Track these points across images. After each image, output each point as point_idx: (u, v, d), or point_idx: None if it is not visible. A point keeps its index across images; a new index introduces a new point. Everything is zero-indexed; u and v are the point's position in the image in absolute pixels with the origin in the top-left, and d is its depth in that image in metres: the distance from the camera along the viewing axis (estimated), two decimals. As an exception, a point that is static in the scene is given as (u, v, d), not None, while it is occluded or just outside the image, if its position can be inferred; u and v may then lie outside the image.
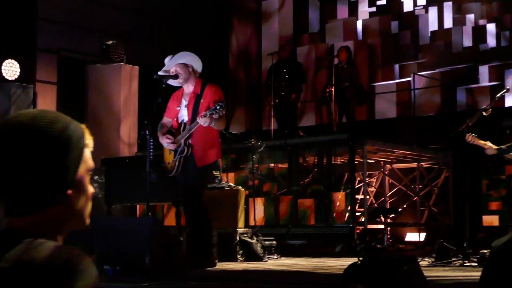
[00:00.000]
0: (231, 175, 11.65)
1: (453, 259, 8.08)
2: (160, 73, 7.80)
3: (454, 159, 12.33)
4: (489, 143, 8.44)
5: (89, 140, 1.72)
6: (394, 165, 12.81)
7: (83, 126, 1.72)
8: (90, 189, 1.71)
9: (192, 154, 7.63)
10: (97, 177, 10.30)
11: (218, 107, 7.37)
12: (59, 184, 1.61)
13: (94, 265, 1.54)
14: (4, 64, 12.05)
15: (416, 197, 12.59)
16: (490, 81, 15.03)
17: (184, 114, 7.77)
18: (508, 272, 1.91)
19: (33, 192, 1.59)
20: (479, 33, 16.25)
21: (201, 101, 7.64)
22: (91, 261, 1.53)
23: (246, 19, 18.67)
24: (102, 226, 7.00)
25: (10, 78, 12.06)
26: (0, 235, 1.58)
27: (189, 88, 7.79)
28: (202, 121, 7.40)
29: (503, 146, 8.48)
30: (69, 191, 1.62)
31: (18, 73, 12.16)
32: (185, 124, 7.71)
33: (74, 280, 1.47)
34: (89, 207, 1.71)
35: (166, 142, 7.69)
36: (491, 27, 16.10)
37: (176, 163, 7.62)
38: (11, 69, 12.03)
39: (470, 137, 8.38)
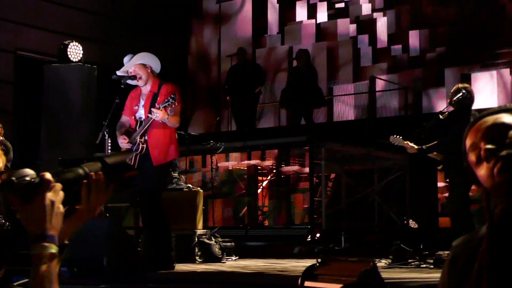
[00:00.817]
0: (190, 177, 11.63)
1: (409, 260, 8.16)
2: (118, 73, 7.77)
3: (411, 161, 12.43)
4: (410, 143, 8.74)
5: None
6: (352, 167, 12.88)
7: None
8: None
9: (148, 152, 7.59)
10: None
11: (170, 99, 7.37)
12: None
13: None
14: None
15: (374, 199, 12.67)
16: (447, 85, 15.20)
17: (141, 113, 7.75)
18: (466, 271, 1.94)
19: None
20: (436, 36, 16.42)
21: (158, 99, 7.62)
22: None
23: (206, 20, 18.65)
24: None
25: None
26: None
27: (147, 87, 7.78)
28: (155, 115, 7.39)
29: (423, 146, 8.72)
30: None
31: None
32: (141, 122, 7.69)
33: None
34: None
35: (121, 142, 7.66)
36: (447, 31, 16.27)
37: (132, 161, 7.57)
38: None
39: (394, 138, 8.73)
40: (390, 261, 8.25)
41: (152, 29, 16.91)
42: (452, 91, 8.70)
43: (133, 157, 7.60)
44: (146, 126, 7.60)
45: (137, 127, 7.69)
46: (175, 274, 7.33)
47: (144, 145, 7.60)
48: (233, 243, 9.69)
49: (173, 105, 7.39)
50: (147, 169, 7.53)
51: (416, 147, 8.77)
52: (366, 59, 16.73)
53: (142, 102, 7.78)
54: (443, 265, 2.07)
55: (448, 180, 9.28)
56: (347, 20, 17.41)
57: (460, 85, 8.80)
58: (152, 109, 7.44)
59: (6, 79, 14.76)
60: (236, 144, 11.93)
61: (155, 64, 7.83)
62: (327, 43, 17.03)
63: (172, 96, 7.39)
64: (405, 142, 8.77)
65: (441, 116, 8.62)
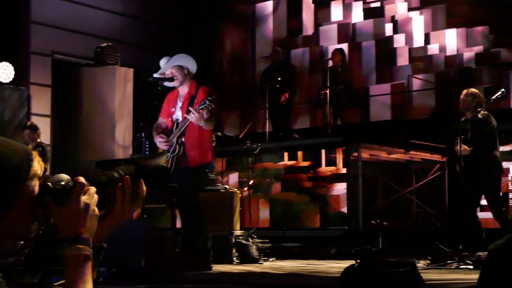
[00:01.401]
0: (226, 178, 11.64)
1: (448, 261, 8.08)
2: (155, 75, 7.80)
3: (449, 161, 12.32)
4: (463, 145, 8.74)
5: (37, 170, 1.82)
6: (389, 167, 12.79)
7: (34, 153, 1.82)
8: (28, 216, 1.81)
9: (185, 154, 7.61)
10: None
11: (207, 101, 7.37)
12: None
13: None
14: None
15: (411, 199, 12.58)
16: (485, 84, 15.03)
17: (178, 115, 7.77)
18: (506, 276, 1.90)
19: None
20: (473, 35, 16.26)
21: (195, 101, 7.64)
22: None
23: (240, 22, 18.66)
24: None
25: (4, 81, 12.03)
26: None
27: (184, 89, 7.80)
28: (191, 116, 7.39)
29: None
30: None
31: (12, 76, 12.13)
32: (178, 124, 7.71)
33: None
34: (19, 236, 1.83)
35: (159, 141, 7.68)
36: (484, 30, 16.10)
37: (168, 163, 7.59)
38: (5, 72, 12.00)
39: (463, 149, 8.67)
40: (428, 262, 8.17)
41: (186, 31, 16.97)
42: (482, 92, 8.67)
43: (170, 159, 7.62)
44: (183, 128, 7.61)
45: (174, 129, 7.70)
46: (212, 274, 7.34)
47: (181, 147, 7.62)
48: (270, 244, 9.67)
49: (210, 107, 7.39)
50: (183, 170, 7.55)
51: (468, 148, 8.70)
52: (402, 59, 16.60)
53: (179, 104, 7.80)
54: (481, 268, 2.04)
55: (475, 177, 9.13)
56: (383, 19, 17.30)
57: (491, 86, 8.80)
58: (189, 107, 7.44)
59: (44, 83, 14.89)
60: (272, 145, 11.91)
61: (191, 65, 7.85)
62: (362, 42, 16.93)
63: (209, 98, 7.39)
64: (463, 146, 8.78)
65: (479, 115, 8.54)
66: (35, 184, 1.81)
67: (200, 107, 7.37)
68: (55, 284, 1.94)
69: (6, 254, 1.81)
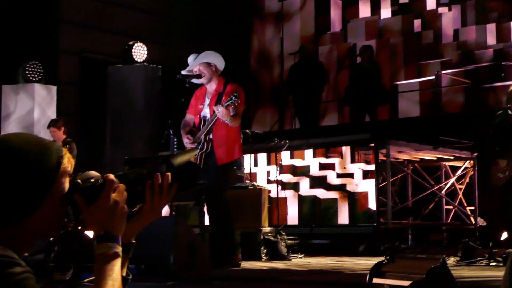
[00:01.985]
0: (254, 175, 11.63)
1: (478, 258, 8.01)
2: (183, 72, 7.79)
3: (479, 157, 12.23)
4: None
5: (67, 167, 1.83)
6: (418, 164, 12.71)
7: (65, 150, 1.83)
8: (58, 213, 1.82)
9: (213, 151, 7.61)
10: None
11: (233, 98, 7.36)
12: (21, 210, 1.73)
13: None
14: (27, 65, 12.09)
15: (440, 197, 12.49)
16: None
17: (206, 112, 7.77)
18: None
19: (1, 209, 1.72)
20: (502, 31, 16.12)
21: (223, 98, 7.63)
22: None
23: (268, 19, 18.65)
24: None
25: (33, 79, 12.10)
26: None
27: (212, 86, 7.80)
28: (218, 110, 7.38)
29: None
30: (30, 218, 1.74)
31: (41, 74, 12.20)
32: (205, 121, 7.71)
33: None
34: (50, 233, 1.83)
35: (185, 142, 7.70)
36: (515, 25, 15.97)
37: (197, 160, 7.59)
38: (34, 70, 12.08)
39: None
40: (458, 259, 8.11)
41: (214, 29, 16.98)
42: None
43: (198, 156, 7.62)
44: (211, 125, 7.61)
45: (202, 126, 7.70)
46: (241, 271, 7.33)
47: (209, 144, 7.61)
48: (298, 241, 9.66)
49: (236, 103, 7.38)
50: (211, 168, 7.55)
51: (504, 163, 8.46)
52: (431, 55, 16.49)
53: (207, 101, 7.80)
54: (506, 266, 2.01)
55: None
56: (411, 16, 17.20)
57: None
58: (217, 105, 7.43)
59: (72, 81, 14.99)
60: (300, 141, 11.89)
61: (219, 62, 7.84)
62: (391, 39, 16.85)
63: (235, 94, 7.38)
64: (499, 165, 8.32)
65: (510, 112, 8.44)
66: (65, 181, 1.82)
67: (226, 104, 7.37)
68: (85, 280, 1.95)
69: (36, 251, 1.82)
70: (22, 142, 1.76)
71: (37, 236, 1.79)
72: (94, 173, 1.88)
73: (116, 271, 1.79)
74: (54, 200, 1.78)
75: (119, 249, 1.82)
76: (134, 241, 2.02)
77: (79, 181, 1.84)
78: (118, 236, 1.83)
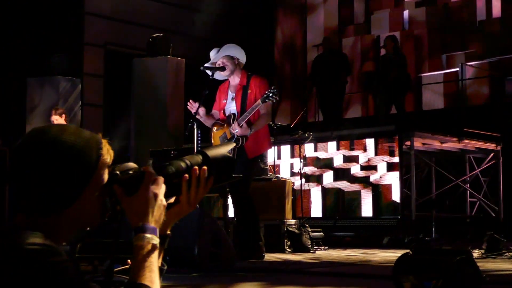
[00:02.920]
0: (278, 167, 11.64)
1: (503, 251, 7.97)
2: (206, 65, 7.80)
3: (504, 149, 12.16)
4: None
5: (107, 158, 1.85)
6: (442, 156, 12.66)
7: (104, 142, 1.85)
8: (97, 204, 1.83)
9: (243, 146, 7.62)
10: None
11: (271, 94, 7.40)
12: (63, 199, 1.75)
13: (71, 268, 1.65)
14: (52, 58, 12.16)
15: (465, 189, 12.44)
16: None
17: (232, 106, 7.77)
18: None
19: (38, 198, 1.74)
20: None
21: (248, 92, 7.64)
22: (67, 265, 1.65)
23: (291, 11, 18.62)
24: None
25: (58, 72, 12.18)
26: (8, 227, 1.75)
27: (235, 80, 7.80)
28: (236, 131, 7.43)
29: None
30: (71, 207, 1.76)
31: (66, 67, 12.27)
32: (234, 115, 7.69)
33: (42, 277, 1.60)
34: (89, 223, 1.84)
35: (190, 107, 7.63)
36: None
37: (232, 153, 7.58)
38: (59, 63, 12.15)
39: None
40: (483, 251, 8.07)
41: (238, 21, 16.98)
42: None
43: (232, 150, 7.60)
44: (253, 112, 7.56)
45: (231, 121, 7.67)
46: (265, 263, 7.35)
47: (243, 138, 7.60)
48: (322, 233, 9.66)
49: (275, 100, 7.43)
50: (240, 160, 7.55)
51: None
52: (455, 47, 16.39)
53: (231, 95, 7.79)
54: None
55: None
56: (435, 7, 17.09)
57: None
58: (234, 124, 7.48)
59: (97, 73, 15.06)
60: (323, 134, 11.88)
61: (241, 55, 7.83)
62: (415, 31, 16.77)
63: (273, 90, 7.41)
64: None
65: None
66: (104, 173, 1.83)
67: (264, 100, 7.39)
68: (115, 270, 1.96)
69: (74, 241, 1.84)
70: (65, 134, 1.78)
71: (76, 226, 1.81)
72: (132, 164, 1.90)
73: (153, 262, 1.81)
74: (93, 191, 1.80)
75: (157, 241, 1.83)
76: (169, 233, 2.03)
77: (117, 172, 1.86)
78: (156, 228, 1.85)
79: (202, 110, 7.66)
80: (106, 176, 1.84)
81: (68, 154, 1.75)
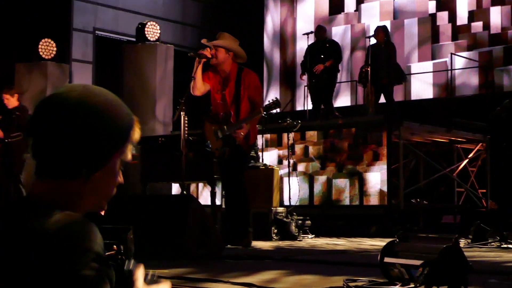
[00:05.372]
0: (266, 155, 11.63)
1: (490, 240, 8.00)
2: (199, 52, 7.73)
3: (491, 140, 12.19)
4: None
5: (136, 135, 1.76)
6: (430, 146, 12.69)
7: (136, 119, 1.76)
8: (119, 179, 1.75)
9: (238, 142, 7.61)
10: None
11: (273, 106, 7.47)
12: (92, 162, 1.64)
13: (95, 231, 1.56)
14: (41, 43, 12.11)
15: (452, 179, 12.47)
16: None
17: (222, 99, 7.70)
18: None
19: (67, 159, 1.63)
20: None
21: (241, 87, 7.60)
22: (98, 236, 1.56)
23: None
24: (139, 204, 7.03)
25: (46, 57, 12.12)
26: (20, 202, 1.65)
27: (224, 70, 7.71)
28: (261, 112, 7.46)
29: None
30: (97, 173, 1.66)
31: (55, 52, 12.21)
32: (228, 115, 7.63)
33: (76, 254, 1.49)
34: (110, 193, 1.74)
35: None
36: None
37: (227, 150, 7.58)
38: (48, 48, 12.09)
39: None
40: (470, 241, 8.11)
41: (228, 8, 16.93)
42: None
43: (225, 150, 7.60)
44: (246, 121, 7.54)
45: (226, 119, 7.63)
46: (252, 251, 7.36)
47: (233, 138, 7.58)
48: (309, 222, 9.67)
49: (275, 111, 7.48)
50: (232, 151, 7.54)
51: None
52: (445, 37, 16.41)
53: (221, 87, 7.71)
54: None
55: None
56: (426, -3, 17.11)
57: None
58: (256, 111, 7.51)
59: (86, 59, 15.00)
60: (312, 122, 11.87)
61: (233, 44, 7.77)
62: (405, 20, 16.77)
63: (276, 101, 7.44)
64: None
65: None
66: (129, 150, 1.78)
67: (267, 110, 7.44)
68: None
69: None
70: (104, 95, 1.71)
71: (96, 197, 1.70)
72: None
73: None
74: (118, 162, 1.72)
75: None
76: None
77: None
78: None
79: (199, 74, 7.60)
80: (129, 154, 1.76)
81: (103, 120, 1.66)
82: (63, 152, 1.63)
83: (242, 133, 7.47)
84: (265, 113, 7.62)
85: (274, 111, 7.49)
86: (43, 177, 1.65)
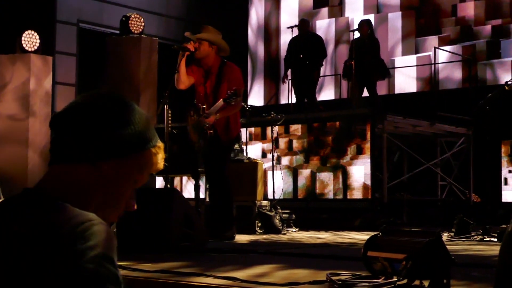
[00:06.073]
0: (250, 148, 11.64)
1: (472, 234, 8.05)
2: (180, 45, 7.73)
3: (474, 134, 12.25)
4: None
5: (159, 163, 1.73)
6: (414, 140, 12.73)
7: (161, 145, 1.74)
8: (131, 203, 1.77)
9: (217, 134, 7.58)
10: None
11: (232, 97, 7.31)
12: (100, 147, 1.63)
13: (110, 233, 1.54)
14: (24, 35, 12.03)
15: (436, 172, 12.53)
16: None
17: (204, 92, 7.70)
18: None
19: (77, 140, 1.62)
20: (501, 7, 16.07)
21: (222, 80, 7.59)
22: (107, 229, 1.54)
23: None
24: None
25: (29, 49, 12.05)
26: (27, 194, 1.61)
27: (208, 64, 7.71)
28: (221, 103, 7.38)
29: None
30: (105, 164, 1.64)
31: (38, 44, 12.14)
32: (201, 107, 7.62)
33: (80, 245, 1.47)
34: (118, 203, 1.72)
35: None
36: (510, 2, 15.90)
37: (202, 143, 7.56)
38: (31, 40, 12.02)
39: None
40: (452, 234, 8.15)
41: (212, 1, 16.90)
42: None
43: (203, 140, 7.56)
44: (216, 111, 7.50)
45: (201, 112, 7.61)
46: (236, 244, 7.36)
47: (212, 129, 7.55)
48: (293, 215, 9.69)
49: (235, 102, 7.35)
50: (214, 144, 7.53)
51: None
52: (428, 30, 16.46)
53: (203, 80, 7.71)
54: (503, 237, 2.02)
55: None
56: (410, -10, 17.14)
57: None
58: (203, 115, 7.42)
59: (69, 51, 14.93)
60: (296, 116, 11.88)
61: (217, 38, 7.77)
62: (389, 14, 16.80)
63: (234, 92, 7.30)
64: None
65: (506, 88, 8.43)
66: (159, 159, 1.73)
67: (227, 102, 7.32)
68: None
69: None
70: (132, 105, 1.73)
71: (102, 199, 1.67)
72: None
73: None
74: (134, 167, 1.69)
75: None
76: None
77: None
78: None
79: (183, 67, 7.58)
80: (146, 176, 1.73)
81: (126, 110, 1.69)
82: (74, 132, 1.62)
83: (207, 124, 7.41)
84: (249, 107, 7.61)
85: (232, 100, 7.34)
86: (53, 163, 1.64)
